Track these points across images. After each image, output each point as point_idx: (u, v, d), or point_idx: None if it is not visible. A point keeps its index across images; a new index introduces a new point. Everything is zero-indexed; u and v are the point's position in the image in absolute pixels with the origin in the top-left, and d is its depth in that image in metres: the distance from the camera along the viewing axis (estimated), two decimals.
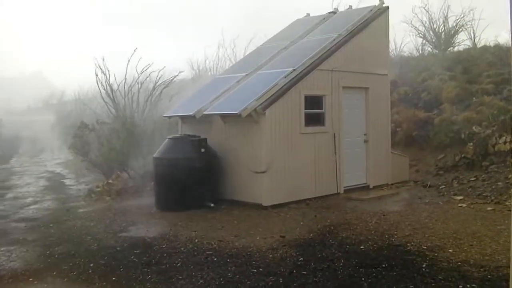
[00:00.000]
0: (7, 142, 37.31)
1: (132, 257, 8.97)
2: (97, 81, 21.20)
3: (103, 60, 21.27)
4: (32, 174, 24.01)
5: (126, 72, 20.97)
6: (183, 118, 14.46)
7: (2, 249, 10.24)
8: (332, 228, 10.36)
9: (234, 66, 17.16)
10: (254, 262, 8.29)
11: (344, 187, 14.05)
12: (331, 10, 17.23)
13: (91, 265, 8.71)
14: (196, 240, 9.68)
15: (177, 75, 22.30)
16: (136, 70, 21.11)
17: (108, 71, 21.18)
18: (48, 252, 9.77)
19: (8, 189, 19.41)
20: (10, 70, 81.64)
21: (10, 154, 33.37)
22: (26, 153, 33.97)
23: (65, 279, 8.16)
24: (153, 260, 8.68)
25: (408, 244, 9.03)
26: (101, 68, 21.11)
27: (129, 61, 20.85)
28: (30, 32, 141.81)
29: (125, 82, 20.97)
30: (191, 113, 13.63)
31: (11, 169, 27.13)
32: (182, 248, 9.25)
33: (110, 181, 16.54)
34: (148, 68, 21.14)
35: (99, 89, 21.36)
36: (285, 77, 12.91)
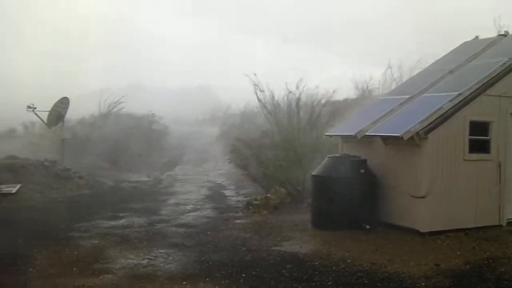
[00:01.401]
0: (174, 150, 39.11)
1: (284, 271, 9.13)
2: (257, 97, 21.64)
3: (268, 76, 21.70)
4: (194, 182, 25.00)
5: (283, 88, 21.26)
6: (344, 137, 14.47)
7: (161, 251, 10.87)
8: (490, 261, 9.88)
9: (398, 88, 16.91)
10: None
11: (507, 219, 13.32)
12: (501, 33, 16.50)
13: (243, 275, 8.99)
14: (349, 261, 9.66)
15: (332, 92, 22.28)
16: (296, 87, 21.30)
17: (269, 90, 21.54)
18: (203, 258, 10.21)
19: (171, 195, 20.39)
20: (179, 82, 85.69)
21: (175, 162, 34.95)
22: (190, 162, 35.37)
23: (217, 286, 8.48)
24: (304, 277, 8.79)
25: None
26: (261, 85, 21.49)
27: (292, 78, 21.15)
28: (200, 45, 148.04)
29: (287, 98, 21.26)
30: (352, 133, 13.60)
31: (175, 176, 28.41)
32: (334, 267, 9.28)
33: (268, 195, 16.83)
34: (306, 85, 21.28)
35: (261, 105, 21.81)
36: (450, 101, 12.54)
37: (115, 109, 38.58)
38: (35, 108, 26.55)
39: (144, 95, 62.05)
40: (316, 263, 9.57)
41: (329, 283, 8.43)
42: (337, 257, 9.96)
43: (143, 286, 8.61)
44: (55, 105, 27.32)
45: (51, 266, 9.90)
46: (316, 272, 9.02)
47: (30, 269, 9.66)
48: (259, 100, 21.51)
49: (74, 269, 9.65)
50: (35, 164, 22.10)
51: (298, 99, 20.93)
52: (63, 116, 27.40)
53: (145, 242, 11.82)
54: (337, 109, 21.66)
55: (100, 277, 9.18)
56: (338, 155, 13.77)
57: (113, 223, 14.35)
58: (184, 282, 8.78)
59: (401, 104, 13.88)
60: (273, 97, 21.55)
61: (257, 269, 9.32)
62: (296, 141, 17.92)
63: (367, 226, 12.31)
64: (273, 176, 17.39)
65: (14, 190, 16.17)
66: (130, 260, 10.25)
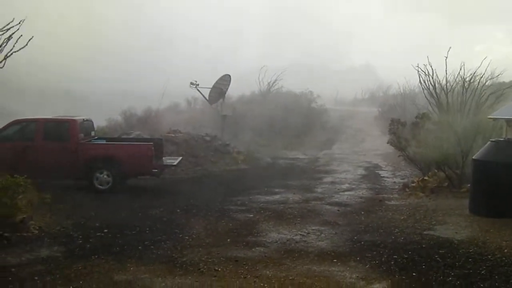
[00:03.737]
0: (332, 129, 39.10)
1: (436, 256, 8.94)
2: (419, 79, 21.18)
3: (428, 58, 21.08)
4: (351, 162, 24.90)
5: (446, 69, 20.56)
6: (509, 121, 13.81)
7: (313, 228, 11.03)
8: None
9: None
10: None
11: None
12: None
13: (394, 257, 8.92)
14: (506, 250, 9.22)
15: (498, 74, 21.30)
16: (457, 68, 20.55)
17: (432, 69, 20.91)
18: (355, 237, 10.24)
19: (327, 173, 20.50)
20: (340, 63, 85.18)
21: (333, 141, 34.94)
22: (347, 141, 35.22)
23: (367, 266, 8.49)
24: (457, 263, 8.55)
25: None
26: (424, 66, 20.96)
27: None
28: (361, 25, 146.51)
29: (446, 79, 20.60)
30: None
31: (333, 155, 28.43)
32: (489, 256, 8.91)
33: (425, 177, 16.45)
34: (472, 65, 20.48)
35: (422, 86, 21.35)
36: None
37: (275, 87, 39.18)
38: (197, 84, 27.56)
39: (307, 74, 62.57)
40: (471, 250, 9.25)
41: (482, 272, 8.12)
42: (493, 245, 9.54)
43: (294, 261, 8.75)
44: (217, 82, 28.22)
45: (206, 235, 10.37)
46: (470, 260, 8.72)
47: (187, 238, 10.14)
48: (420, 81, 21.08)
49: (228, 240, 10.05)
50: (196, 138, 22.99)
51: (463, 80, 20.22)
52: (224, 92, 28.23)
53: (299, 218, 12.03)
54: (503, 91, 20.62)
55: (253, 249, 9.48)
56: (502, 139, 13.16)
57: (268, 198, 14.71)
58: (334, 260, 8.86)
59: None
60: (435, 77, 20.96)
61: (409, 252, 9.20)
62: (457, 123, 17.30)
63: None
64: (432, 158, 16.91)
65: (175, 162, 16.97)
66: (283, 235, 10.47)
